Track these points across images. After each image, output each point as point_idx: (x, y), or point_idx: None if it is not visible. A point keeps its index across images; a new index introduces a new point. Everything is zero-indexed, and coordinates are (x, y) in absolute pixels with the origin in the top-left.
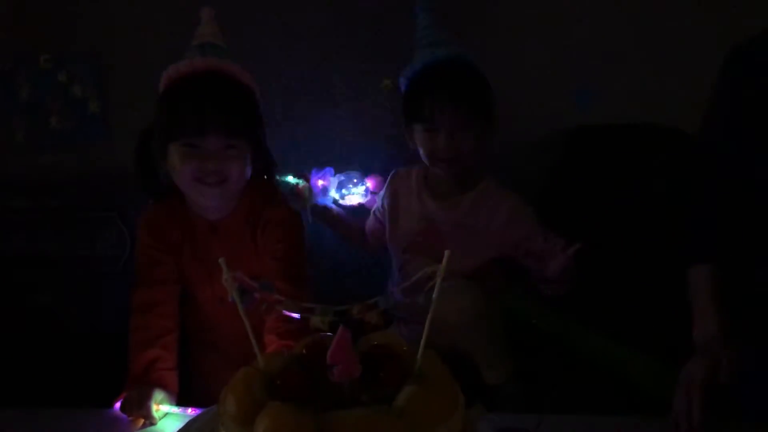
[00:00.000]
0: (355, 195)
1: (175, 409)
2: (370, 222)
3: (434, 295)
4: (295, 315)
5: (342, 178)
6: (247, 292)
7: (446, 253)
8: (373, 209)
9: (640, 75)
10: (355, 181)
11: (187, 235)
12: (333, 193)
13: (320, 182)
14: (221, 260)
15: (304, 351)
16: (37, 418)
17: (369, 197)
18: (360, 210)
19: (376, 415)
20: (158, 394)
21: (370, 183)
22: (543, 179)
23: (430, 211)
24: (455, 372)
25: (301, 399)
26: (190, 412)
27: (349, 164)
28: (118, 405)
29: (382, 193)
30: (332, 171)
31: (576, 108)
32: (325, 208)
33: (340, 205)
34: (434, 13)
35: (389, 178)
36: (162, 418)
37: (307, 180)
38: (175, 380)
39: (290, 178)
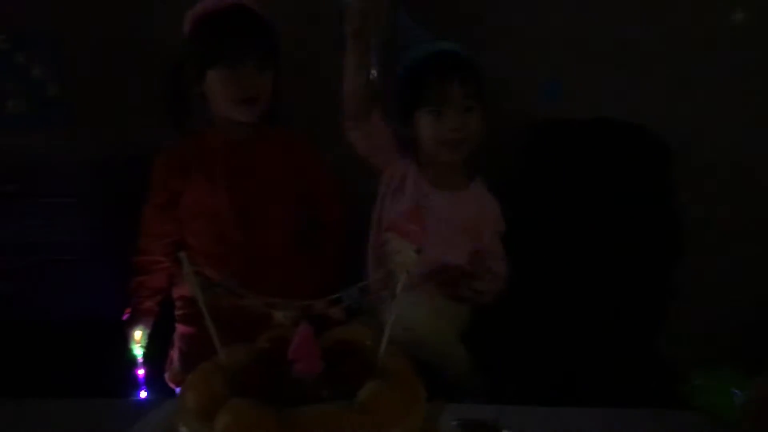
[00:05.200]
0: None
1: (139, 357)
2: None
3: (398, 290)
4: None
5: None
6: (209, 287)
7: (415, 255)
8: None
9: (608, 71)
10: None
11: (205, 159)
12: None
13: None
14: (181, 254)
15: (266, 345)
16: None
17: None
18: None
19: (338, 410)
20: (142, 330)
21: None
22: (509, 173)
23: (423, 196)
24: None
25: (263, 394)
26: (141, 372)
27: None
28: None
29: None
30: None
31: (544, 102)
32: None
33: None
34: (413, 15)
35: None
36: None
37: None
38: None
39: None
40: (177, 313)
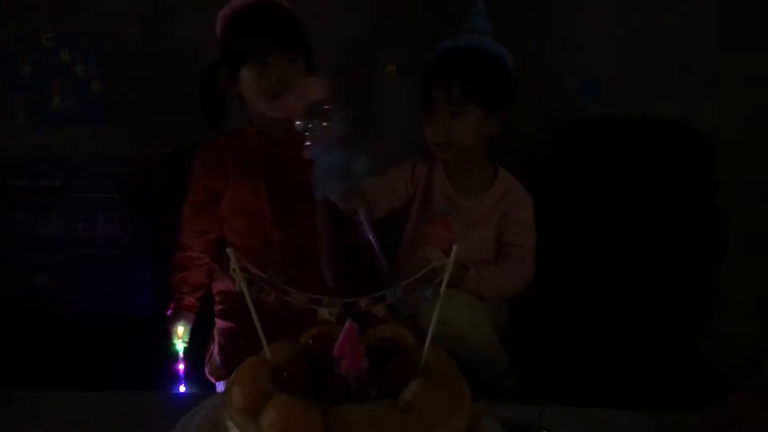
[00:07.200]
0: None
1: (180, 351)
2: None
3: (442, 289)
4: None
5: None
6: (255, 282)
7: (454, 247)
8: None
9: (644, 67)
10: None
11: (243, 157)
12: None
13: None
14: (229, 250)
15: (310, 342)
16: (38, 401)
17: None
18: None
19: (383, 409)
20: (184, 325)
21: None
22: (540, 171)
23: (450, 202)
24: None
25: (308, 391)
26: (181, 367)
27: None
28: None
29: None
30: None
31: (580, 99)
32: None
33: None
34: (485, 4)
35: (411, 167)
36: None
37: None
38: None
39: None
40: (217, 308)
